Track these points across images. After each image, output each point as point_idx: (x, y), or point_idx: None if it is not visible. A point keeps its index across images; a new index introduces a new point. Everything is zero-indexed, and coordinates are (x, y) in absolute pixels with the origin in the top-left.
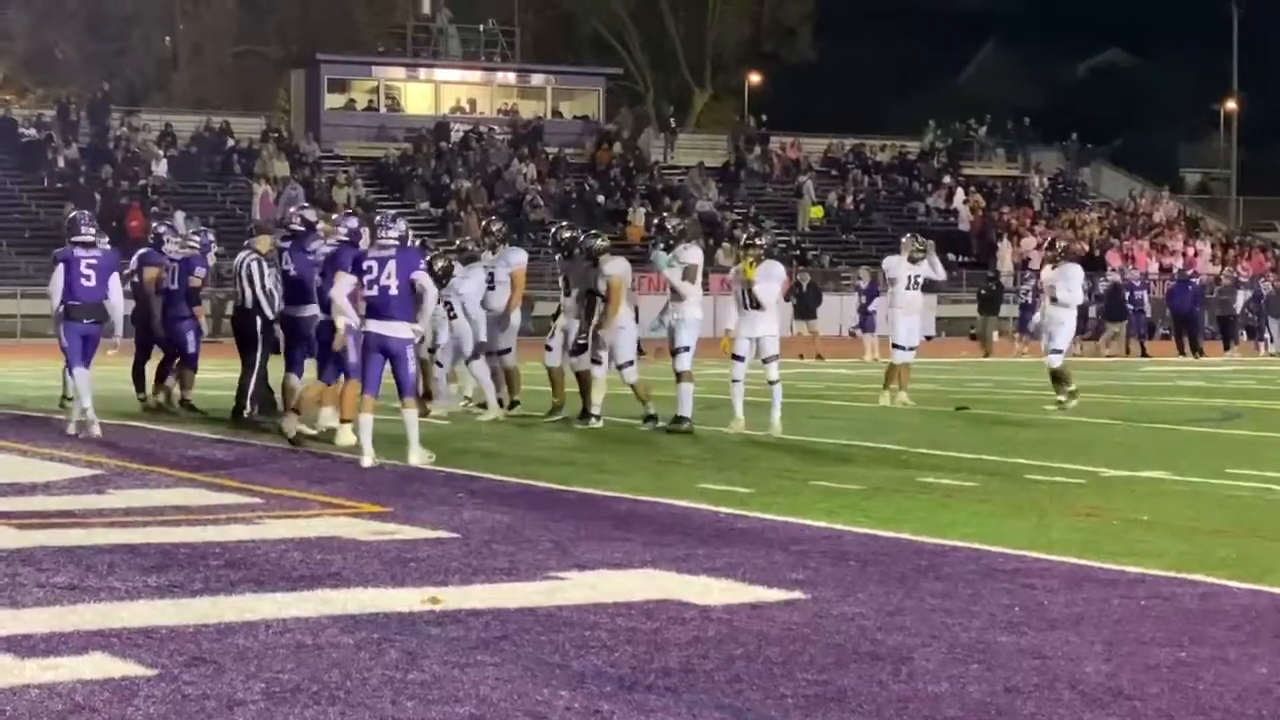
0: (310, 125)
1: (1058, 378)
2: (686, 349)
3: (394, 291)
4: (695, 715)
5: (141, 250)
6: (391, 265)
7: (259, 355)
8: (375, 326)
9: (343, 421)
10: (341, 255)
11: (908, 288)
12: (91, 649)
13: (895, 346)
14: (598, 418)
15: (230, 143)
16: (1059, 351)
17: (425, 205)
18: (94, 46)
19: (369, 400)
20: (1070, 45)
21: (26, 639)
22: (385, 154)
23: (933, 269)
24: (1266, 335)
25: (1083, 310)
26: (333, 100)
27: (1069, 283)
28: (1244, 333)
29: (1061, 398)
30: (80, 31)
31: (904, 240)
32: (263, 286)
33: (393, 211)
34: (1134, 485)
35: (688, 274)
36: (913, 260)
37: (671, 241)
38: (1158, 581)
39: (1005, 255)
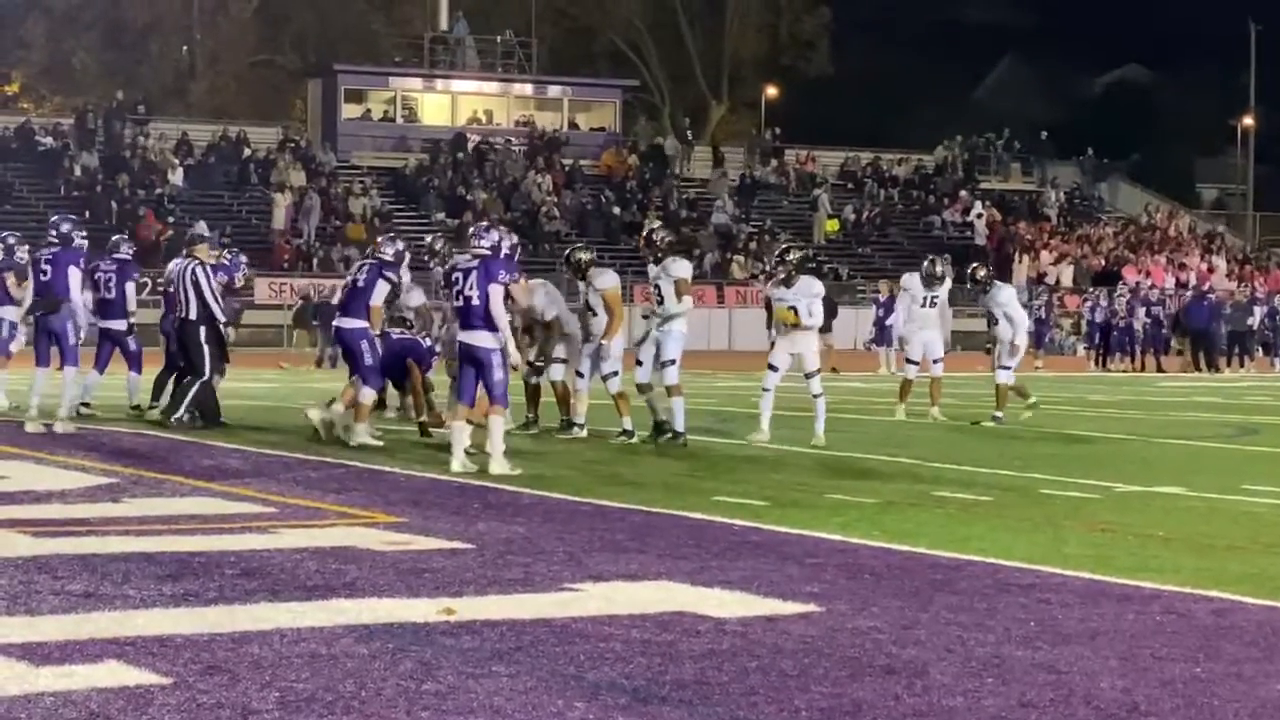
0: (327, 135)
1: (1000, 392)
2: (673, 362)
3: (475, 302)
4: None
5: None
6: (475, 276)
7: (208, 364)
8: (463, 336)
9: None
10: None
11: (923, 306)
12: (106, 657)
13: (908, 361)
14: (581, 427)
15: (247, 152)
16: (1007, 368)
17: (441, 216)
18: (112, 56)
19: (462, 409)
20: (1087, 60)
21: (41, 647)
22: (402, 165)
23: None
24: None
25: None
26: (349, 110)
27: (1008, 305)
28: (1260, 349)
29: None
30: (98, 41)
31: (924, 265)
32: (211, 293)
33: (485, 223)
34: (1149, 500)
35: (679, 287)
36: (927, 283)
37: (660, 255)
38: (1173, 597)
39: (1021, 270)
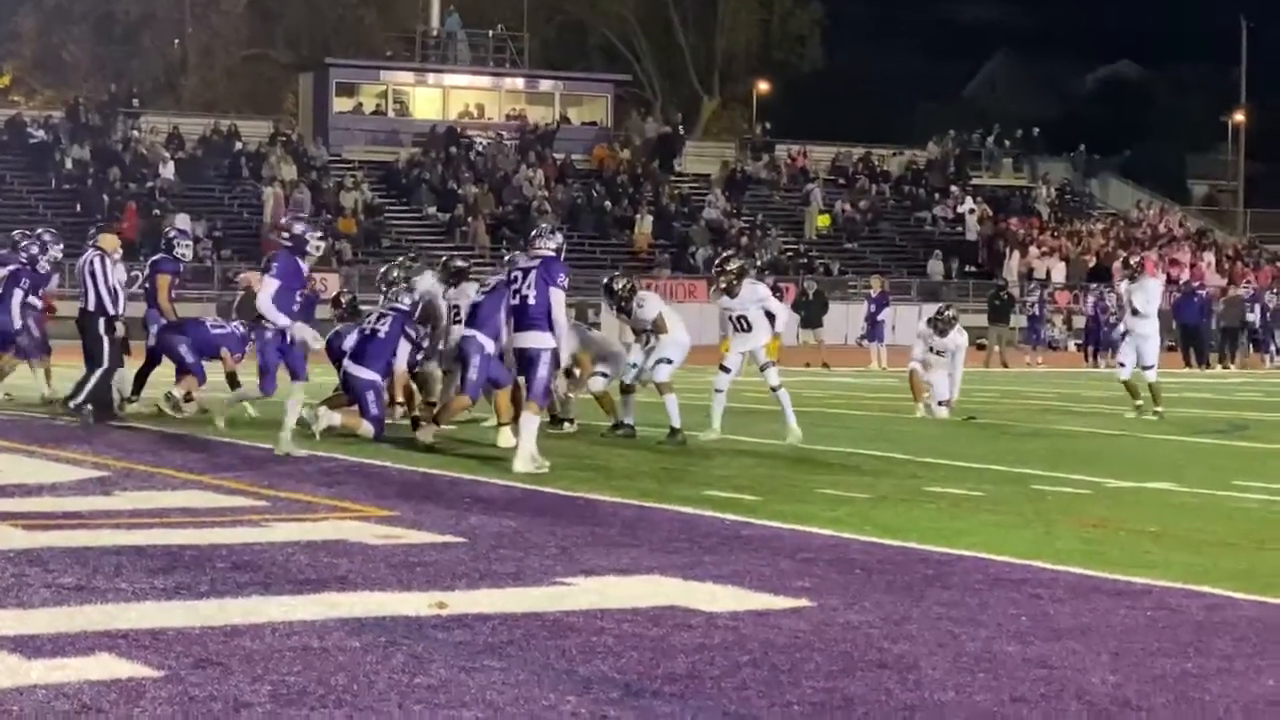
0: (318, 129)
1: (1153, 392)
2: (669, 361)
3: (532, 301)
4: None
5: (155, 257)
6: (534, 276)
7: (107, 355)
8: (516, 336)
9: (500, 425)
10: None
11: (930, 351)
12: (98, 650)
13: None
14: (571, 422)
15: (238, 146)
16: (1150, 367)
17: (433, 210)
18: (103, 49)
19: (533, 403)
20: (1079, 56)
21: (33, 639)
22: (394, 159)
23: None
24: (1272, 348)
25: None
26: (341, 104)
27: (1148, 295)
28: (1250, 345)
29: (1140, 405)
30: (89, 34)
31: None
32: (106, 285)
33: (549, 225)
34: (1141, 496)
35: (656, 325)
36: (941, 332)
37: (624, 301)
38: (1164, 592)
39: (1012, 265)
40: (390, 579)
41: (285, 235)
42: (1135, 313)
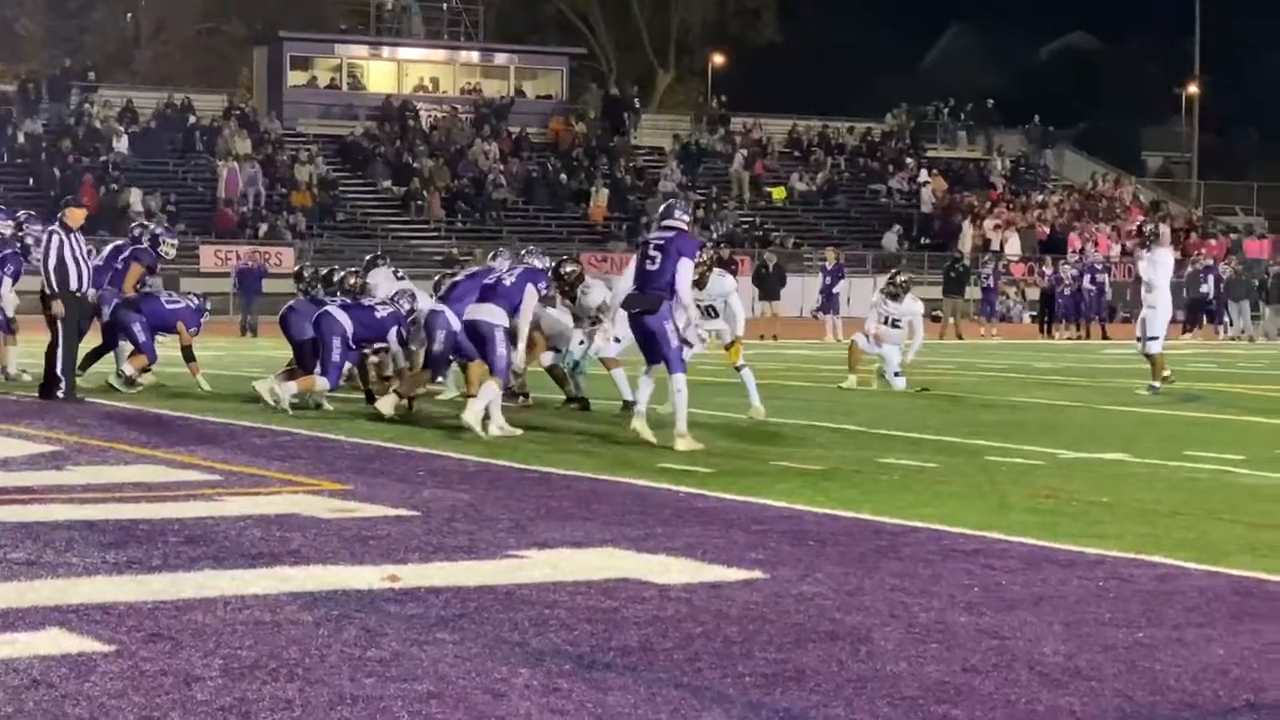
0: (273, 103)
1: (1152, 364)
2: (618, 340)
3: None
4: (654, 694)
5: (136, 248)
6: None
7: (62, 331)
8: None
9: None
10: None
11: (884, 323)
12: (49, 625)
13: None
14: (526, 396)
15: (192, 120)
16: (1155, 338)
17: (387, 184)
18: (56, 23)
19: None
20: (1034, 28)
21: None
22: (348, 132)
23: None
24: (1226, 319)
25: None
26: (295, 78)
27: (1158, 268)
28: (1204, 316)
29: (1156, 383)
30: (43, 8)
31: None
32: (57, 261)
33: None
34: (1094, 467)
35: (600, 312)
36: (893, 296)
37: (569, 287)
38: (1116, 563)
39: (966, 237)
40: (343, 552)
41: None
42: (1142, 282)
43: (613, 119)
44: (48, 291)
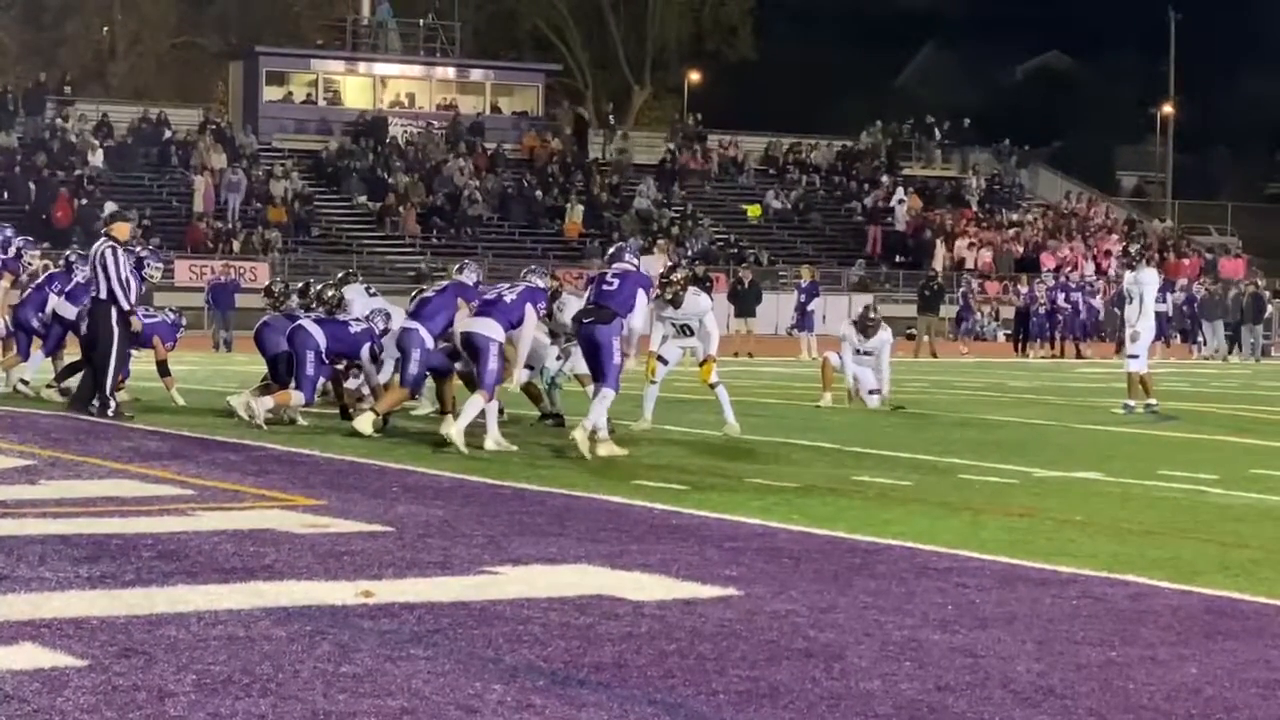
0: (248, 118)
1: (1129, 382)
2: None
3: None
4: (627, 710)
5: None
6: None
7: (115, 347)
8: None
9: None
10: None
11: (857, 352)
12: (22, 639)
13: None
14: (501, 411)
15: (167, 134)
16: (1135, 357)
17: (363, 199)
18: (31, 36)
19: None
20: (1009, 47)
21: None
22: (324, 148)
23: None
24: (1200, 338)
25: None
26: (271, 93)
27: (1144, 287)
28: (1177, 335)
29: (1131, 402)
30: (17, 21)
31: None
32: (119, 276)
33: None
34: (1067, 486)
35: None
36: (864, 331)
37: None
38: (1090, 581)
39: (939, 256)
40: (317, 568)
41: None
42: (1130, 301)
43: (577, 137)
44: (125, 307)
